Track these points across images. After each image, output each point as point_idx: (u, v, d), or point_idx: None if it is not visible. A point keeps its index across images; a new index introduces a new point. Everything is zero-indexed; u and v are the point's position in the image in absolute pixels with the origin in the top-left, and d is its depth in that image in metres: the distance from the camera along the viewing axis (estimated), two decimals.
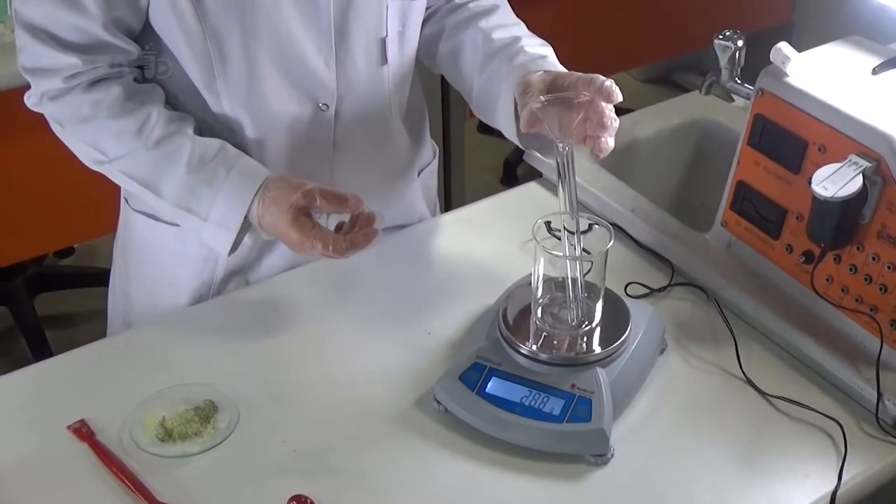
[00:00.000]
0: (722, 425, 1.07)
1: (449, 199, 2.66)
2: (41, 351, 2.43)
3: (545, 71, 1.17)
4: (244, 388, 1.11)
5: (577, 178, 1.05)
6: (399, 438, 1.06)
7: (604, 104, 1.08)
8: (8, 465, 1.03)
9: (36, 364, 1.19)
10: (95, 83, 1.15)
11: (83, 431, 1.06)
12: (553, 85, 1.12)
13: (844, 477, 1.01)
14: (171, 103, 1.21)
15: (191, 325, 1.23)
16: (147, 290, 1.36)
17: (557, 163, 1.05)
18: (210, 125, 1.21)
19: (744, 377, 1.13)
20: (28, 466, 1.03)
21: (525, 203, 1.44)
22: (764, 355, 1.16)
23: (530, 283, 1.12)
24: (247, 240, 1.21)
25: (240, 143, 1.21)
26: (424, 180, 1.45)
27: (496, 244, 1.35)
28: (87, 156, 1.18)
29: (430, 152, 1.46)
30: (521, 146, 1.24)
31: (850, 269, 1.13)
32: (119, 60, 1.16)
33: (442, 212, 1.52)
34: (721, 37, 1.33)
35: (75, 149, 1.19)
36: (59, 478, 1.02)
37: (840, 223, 1.10)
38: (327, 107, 1.23)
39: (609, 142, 1.09)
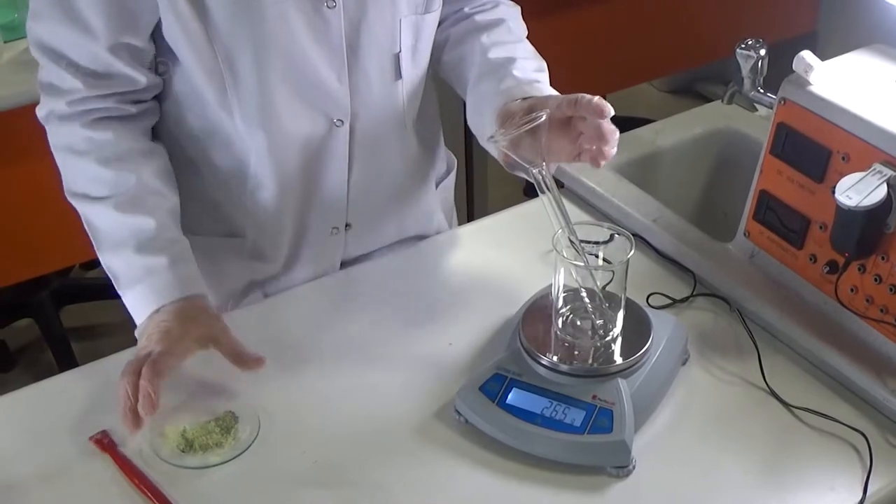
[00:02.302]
0: (745, 437, 1.06)
1: (472, 210, 2.66)
2: (67, 362, 2.45)
3: (524, 98, 1.14)
4: (264, 400, 1.11)
5: (562, 195, 1.06)
6: (419, 449, 1.06)
7: (599, 120, 1.05)
8: (31, 475, 1.04)
9: (59, 375, 1.20)
10: (100, 120, 1.16)
11: (105, 442, 1.06)
12: (530, 113, 1.08)
13: (870, 489, 0.99)
14: (185, 123, 1.21)
15: None
16: None
17: (537, 186, 1.05)
18: (226, 143, 1.22)
19: (767, 388, 1.12)
20: (50, 476, 1.04)
21: (546, 214, 1.43)
22: (787, 366, 1.15)
23: (551, 294, 1.12)
24: (271, 254, 1.20)
25: (256, 160, 1.21)
26: (442, 192, 1.44)
27: (517, 255, 1.34)
28: (64, 180, 1.19)
29: (445, 163, 1.45)
30: (508, 170, 1.20)
31: (875, 279, 1.11)
32: (125, 89, 1.16)
33: (465, 223, 1.51)
34: (743, 46, 1.32)
35: (60, 169, 1.20)
36: (81, 488, 1.03)
37: (864, 233, 1.09)
38: (342, 122, 1.22)
39: (610, 151, 1.07)
